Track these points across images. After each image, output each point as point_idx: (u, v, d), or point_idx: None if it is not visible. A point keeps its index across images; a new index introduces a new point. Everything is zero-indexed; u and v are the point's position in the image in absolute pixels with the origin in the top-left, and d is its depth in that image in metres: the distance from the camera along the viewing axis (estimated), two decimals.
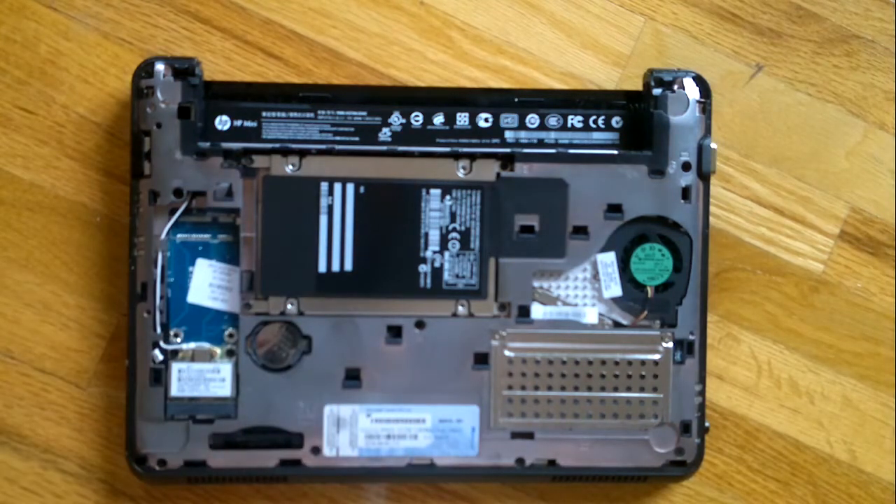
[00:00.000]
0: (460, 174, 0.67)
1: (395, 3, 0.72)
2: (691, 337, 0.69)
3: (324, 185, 0.67)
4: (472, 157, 0.67)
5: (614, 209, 0.68)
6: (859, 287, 0.74)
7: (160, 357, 0.67)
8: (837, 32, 0.74)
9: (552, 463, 0.69)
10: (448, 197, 0.67)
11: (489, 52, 0.72)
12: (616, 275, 0.69)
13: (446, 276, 0.68)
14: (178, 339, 0.67)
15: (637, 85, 0.70)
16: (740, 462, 0.74)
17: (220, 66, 0.71)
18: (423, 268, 0.68)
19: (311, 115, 0.68)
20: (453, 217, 0.67)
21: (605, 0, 0.73)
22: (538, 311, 0.68)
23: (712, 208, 0.71)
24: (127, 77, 0.68)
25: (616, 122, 0.70)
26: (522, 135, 0.69)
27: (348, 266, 0.67)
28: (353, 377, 0.68)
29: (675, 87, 0.68)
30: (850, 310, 0.74)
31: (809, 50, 0.74)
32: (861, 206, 0.74)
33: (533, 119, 0.69)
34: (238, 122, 0.68)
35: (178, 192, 0.66)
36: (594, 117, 0.70)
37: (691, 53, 0.73)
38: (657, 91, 0.68)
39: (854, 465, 0.74)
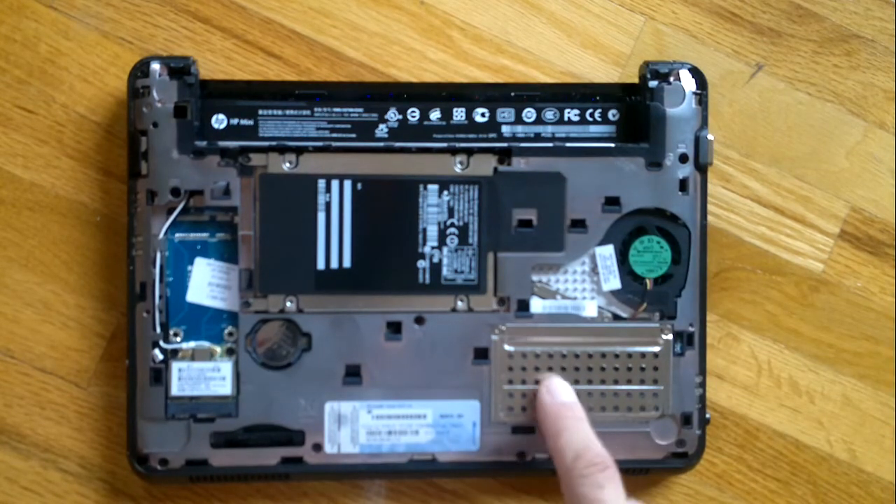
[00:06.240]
0: (457, 169, 0.68)
1: (395, 3, 0.72)
2: (691, 329, 0.69)
3: (321, 183, 0.67)
4: (469, 151, 0.68)
5: (612, 202, 0.68)
6: (859, 287, 0.74)
7: (160, 356, 0.67)
8: (837, 32, 0.75)
9: None
10: (446, 192, 0.67)
11: (489, 51, 0.73)
12: (615, 267, 0.69)
13: (445, 271, 0.68)
14: (178, 339, 0.67)
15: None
16: (740, 461, 0.73)
17: (220, 65, 0.71)
18: (421, 263, 0.68)
19: (308, 112, 0.69)
20: (451, 212, 0.67)
21: (605, 0, 0.74)
22: (537, 304, 0.68)
23: (712, 207, 0.71)
24: (126, 76, 0.68)
25: (613, 114, 0.70)
26: (519, 129, 0.69)
27: (347, 263, 0.67)
28: (353, 374, 0.68)
29: (671, 78, 0.68)
30: (850, 309, 0.74)
31: (809, 50, 0.74)
32: (861, 206, 0.74)
33: (529, 113, 0.69)
34: (235, 121, 0.68)
35: (175, 192, 0.66)
36: (591, 110, 0.70)
37: (691, 53, 0.74)
38: (653, 83, 0.68)
39: (854, 464, 0.74)
